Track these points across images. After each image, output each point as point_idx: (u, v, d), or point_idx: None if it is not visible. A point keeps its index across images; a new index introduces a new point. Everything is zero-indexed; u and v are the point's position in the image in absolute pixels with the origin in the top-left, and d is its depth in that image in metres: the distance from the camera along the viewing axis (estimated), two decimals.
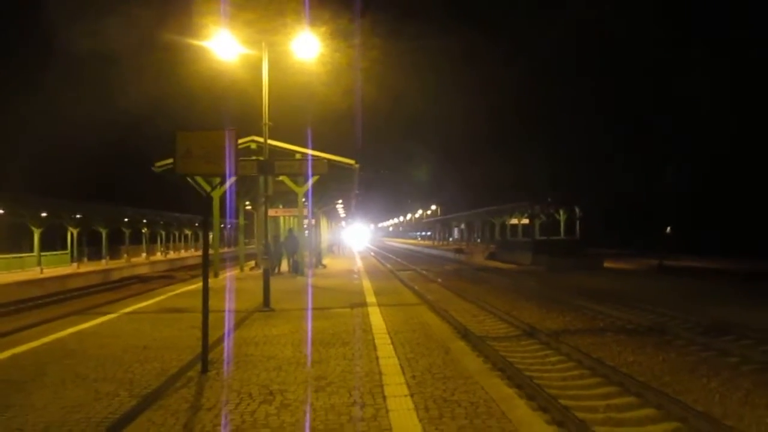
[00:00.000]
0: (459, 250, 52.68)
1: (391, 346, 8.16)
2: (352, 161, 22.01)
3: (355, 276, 21.53)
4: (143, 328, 10.18)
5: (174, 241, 60.74)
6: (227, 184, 20.92)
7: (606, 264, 33.85)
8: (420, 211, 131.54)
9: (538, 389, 7.87)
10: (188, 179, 20.47)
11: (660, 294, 19.25)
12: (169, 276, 35.09)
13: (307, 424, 5.06)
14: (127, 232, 44.94)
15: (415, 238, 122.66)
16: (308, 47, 14.35)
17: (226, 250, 53.93)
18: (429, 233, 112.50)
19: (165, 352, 7.93)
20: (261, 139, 15.07)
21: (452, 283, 25.03)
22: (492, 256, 44.11)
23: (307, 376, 6.63)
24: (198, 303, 7.12)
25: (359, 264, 30.77)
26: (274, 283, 13.17)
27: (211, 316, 7.03)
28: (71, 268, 34.10)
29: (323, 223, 42.29)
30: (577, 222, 42.18)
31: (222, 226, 61.16)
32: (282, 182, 21.00)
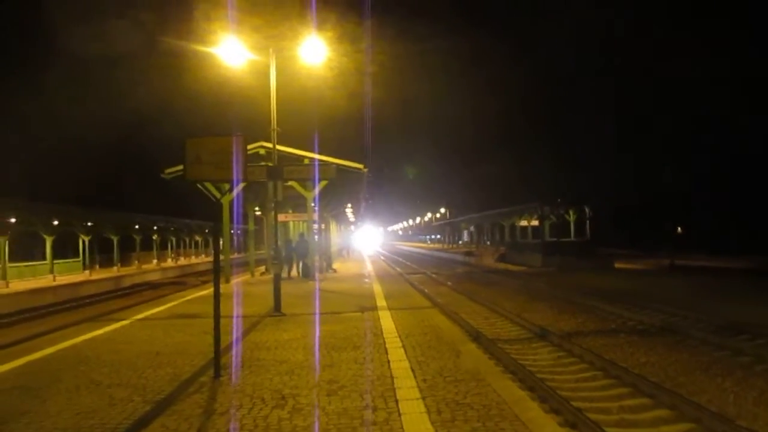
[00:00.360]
0: (469, 253, 52.59)
1: (402, 350, 8.16)
2: (360, 165, 22.03)
3: (365, 280, 21.54)
4: (156, 334, 10.23)
5: (184, 247, 61.02)
6: (236, 190, 21.03)
7: (617, 264, 33.69)
8: (429, 215, 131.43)
9: (550, 391, 7.85)
10: (198, 185, 20.56)
11: (672, 293, 19.14)
12: (180, 282, 35.25)
13: (320, 428, 5.07)
14: (137, 238, 45.21)
15: (425, 241, 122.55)
16: (315, 52, 14.41)
17: (236, 255, 54.10)
18: (438, 236, 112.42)
19: (177, 358, 7.97)
20: (270, 145, 15.14)
21: (462, 285, 25.00)
22: (502, 259, 43.99)
23: (319, 380, 6.64)
24: (209, 308, 7.16)
25: (369, 268, 30.78)
26: (285, 288, 13.20)
27: (223, 322, 7.06)
28: (83, 276, 34.35)
29: (332, 227, 42.31)
30: (587, 222, 42.00)
31: (232, 231, 61.31)
32: (291, 187, 21.04)
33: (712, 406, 7.25)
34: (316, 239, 24.72)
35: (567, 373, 9.50)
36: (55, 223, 33.41)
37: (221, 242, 29.34)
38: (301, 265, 22.51)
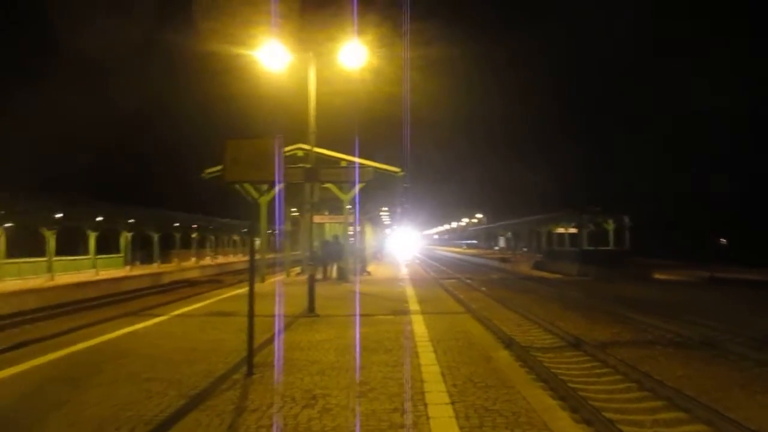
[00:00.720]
0: (504, 259, 52.19)
1: (434, 354, 8.17)
2: (397, 169, 22.07)
3: (399, 283, 21.56)
4: (192, 330, 10.46)
5: (223, 246, 62.02)
6: (274, 191, 21.31)
7: (656, 275, 32.96)
8: (465, 220, 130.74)
9: (582, 401, 7.76)
10: (236, 186, 20.91)
11: (711, 306, 18.67)
12: (217, 280, 35.86)
13: (348, 429, 5.13)
14: (177, 236, 46.16)
15: (461, 247, 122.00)
16: (355, 56, 14.52)
17: (272, 255, 54.75)
18: (474, 242, 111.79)
19: (212, 355, 8.13)
20: (307, 147, 15.30)
21: (496, 292, 24.82)
22: (538, 266, 43.50)
23: (350, 381, 6.70)
24: (244, 307, 7.29)
25: (403, 271, 30.80)
26: (319, 289, 13.31)
27: (257, 321, 7.19)
28: (124, 271, 35.28)
29: (368, 230, 42.44)
30: (627, 232, 41.20)
31: (269, 231, 62.09)
32: (328, 189, 21.21)
33: (750, 424, 7.06)
34: (352, 242, 24.86)
35: (600, 384, 9.37)
36: (99, 219, 34.39)
37: (258, 242, 29.78)
38: (335, 267, 22.67)
